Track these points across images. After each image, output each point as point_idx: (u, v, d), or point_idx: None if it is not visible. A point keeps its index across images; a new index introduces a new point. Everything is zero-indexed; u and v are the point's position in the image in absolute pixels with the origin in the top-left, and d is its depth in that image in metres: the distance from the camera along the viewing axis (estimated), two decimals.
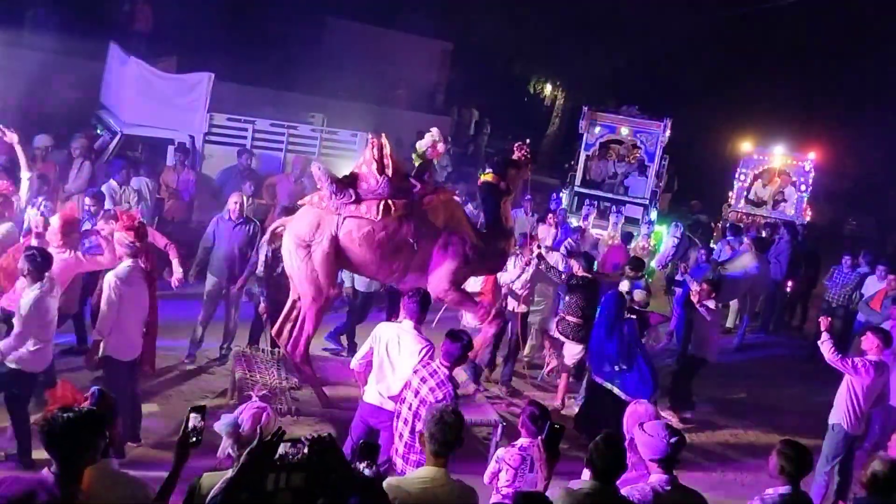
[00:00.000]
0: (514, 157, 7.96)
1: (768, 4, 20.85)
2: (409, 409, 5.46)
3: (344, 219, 6.99)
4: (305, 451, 3.08)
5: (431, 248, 7.25)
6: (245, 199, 10.89)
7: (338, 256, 7.10)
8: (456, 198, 7.98)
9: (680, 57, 22.76)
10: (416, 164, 7.49)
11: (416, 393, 5.46)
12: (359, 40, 19.54)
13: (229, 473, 3.18)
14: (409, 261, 7.21)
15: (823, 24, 23.05)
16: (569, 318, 8.81)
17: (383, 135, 7.24)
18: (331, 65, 17.87)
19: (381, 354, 5.99)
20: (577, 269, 8.97)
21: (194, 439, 3.56)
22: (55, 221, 6.92)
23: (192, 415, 3.57)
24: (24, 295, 6.02)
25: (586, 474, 4.19)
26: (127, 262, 6.30)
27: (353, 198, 6.93)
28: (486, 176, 7.84)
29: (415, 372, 5.60)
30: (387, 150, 7.06)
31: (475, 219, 9.26)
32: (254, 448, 3.10)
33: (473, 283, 8.37)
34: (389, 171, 6.98)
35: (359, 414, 6.15)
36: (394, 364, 5.92)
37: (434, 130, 7.65)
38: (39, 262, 5.98)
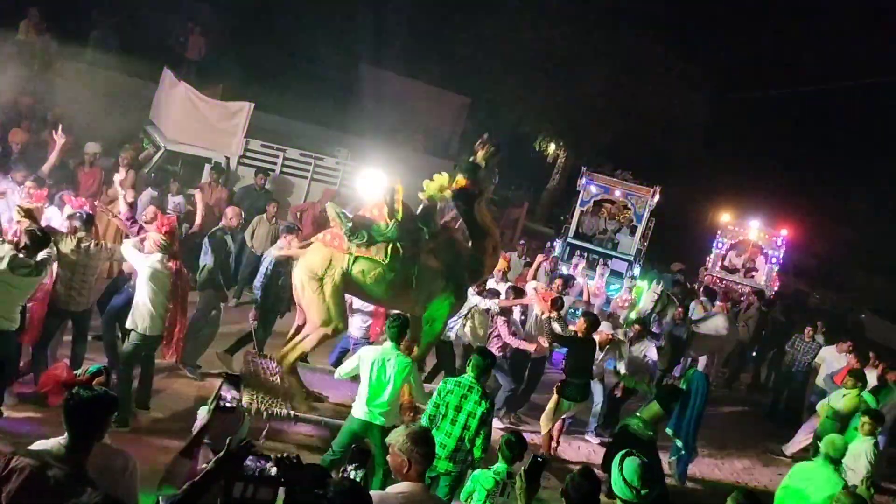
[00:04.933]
0: (479, 155, 7.27)
1: (759, 94, 21.14)
2: (453, 423, 5.77)
3: (355, 258, 6.76)
4: (273, 468, 3.01)
5: (432, 284, 7.07)
6: (269, 219, 10.98)
7: (348, 288, 6.91)
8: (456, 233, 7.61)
9: (673, 132, 22.91)
10: (422, 204, 7.13)
11: (458, 409, 5.78)
12: (388, 87, 19.72)
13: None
14: (418, 294, 7.02)
15: (808, 115, 23.31)
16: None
17: (398, 181, 6.98)
18: (360, 106, 18.09)
19: (369, 375, 6.05)
20: (580, 327, 8.57)
21: (228, 405, 3.57)
22: None
23: (225, 385, 3.54)
24: None
25: None
26: (158, 255, 6.63)
27: (366, 239, 6.70)
28: (459, 182, 7.21)
29: (449, 392, 5.83)
30: (398, 196, 6.80)
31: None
32: (221, 457, 3.01)
33: None
34: (399, 216, 6.77)
35: (349, 427, 6.19)
36: (383, 382, 6.05)
37: (444, 174, 7.19)
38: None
